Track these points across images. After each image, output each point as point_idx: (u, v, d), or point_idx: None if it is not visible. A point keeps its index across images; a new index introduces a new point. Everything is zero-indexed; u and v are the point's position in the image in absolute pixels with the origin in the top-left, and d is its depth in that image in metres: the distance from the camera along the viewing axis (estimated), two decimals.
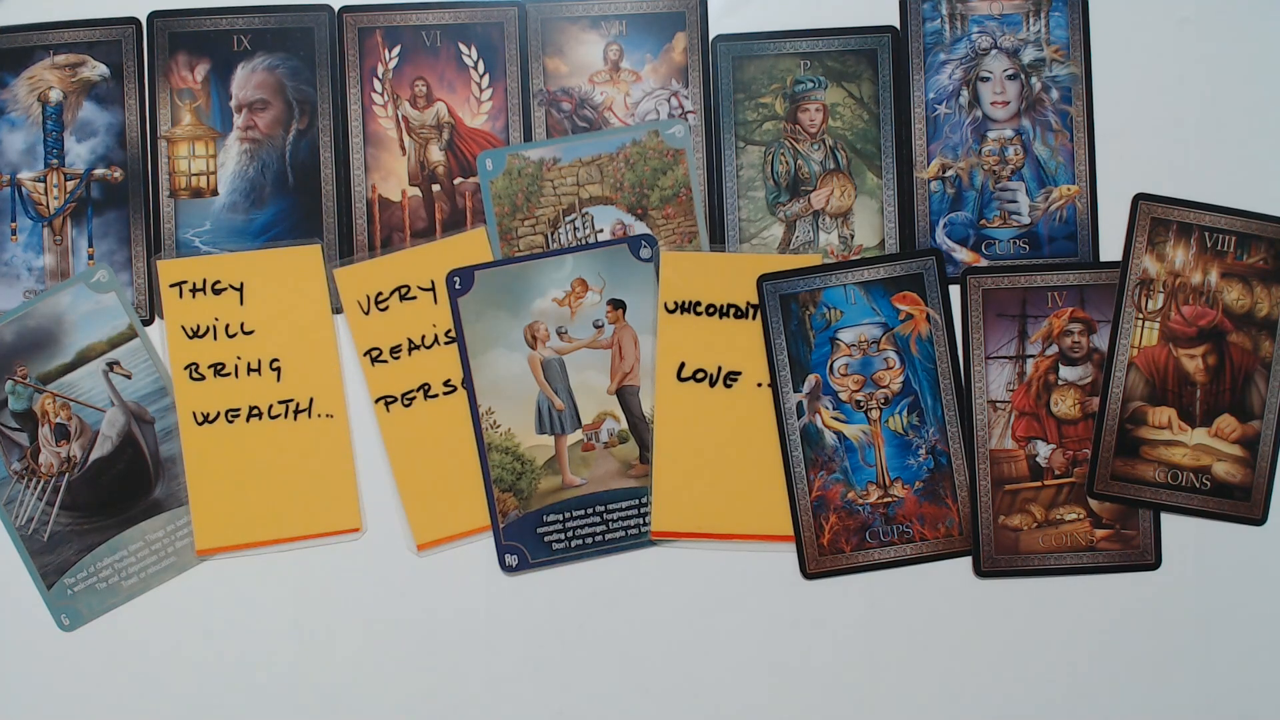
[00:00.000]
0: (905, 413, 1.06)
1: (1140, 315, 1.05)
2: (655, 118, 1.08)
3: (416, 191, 1.09)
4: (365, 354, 1.06)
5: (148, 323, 1.08)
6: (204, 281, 1.06)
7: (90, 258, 1.08)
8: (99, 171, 1.08)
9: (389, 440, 1.06)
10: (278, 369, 1.06)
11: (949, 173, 1.08)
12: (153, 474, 1.07)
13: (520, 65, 1.09)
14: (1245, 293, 1.05)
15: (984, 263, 1.08)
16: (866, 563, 1.06)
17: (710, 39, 1.08)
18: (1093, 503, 1.06)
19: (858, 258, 1.08)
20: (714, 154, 1.08)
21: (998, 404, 1.06)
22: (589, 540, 1.06)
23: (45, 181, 1.08)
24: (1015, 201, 1.08)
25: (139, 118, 1.08)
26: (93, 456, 1.06)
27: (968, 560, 1.06)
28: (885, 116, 1.08)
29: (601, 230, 1.08)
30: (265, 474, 1.06)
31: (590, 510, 1.06)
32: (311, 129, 1.09)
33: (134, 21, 1.08)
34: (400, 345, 1.06)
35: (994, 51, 1.08)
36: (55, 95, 1.08)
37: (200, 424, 1.06)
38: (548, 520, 1.06)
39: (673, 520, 1.05)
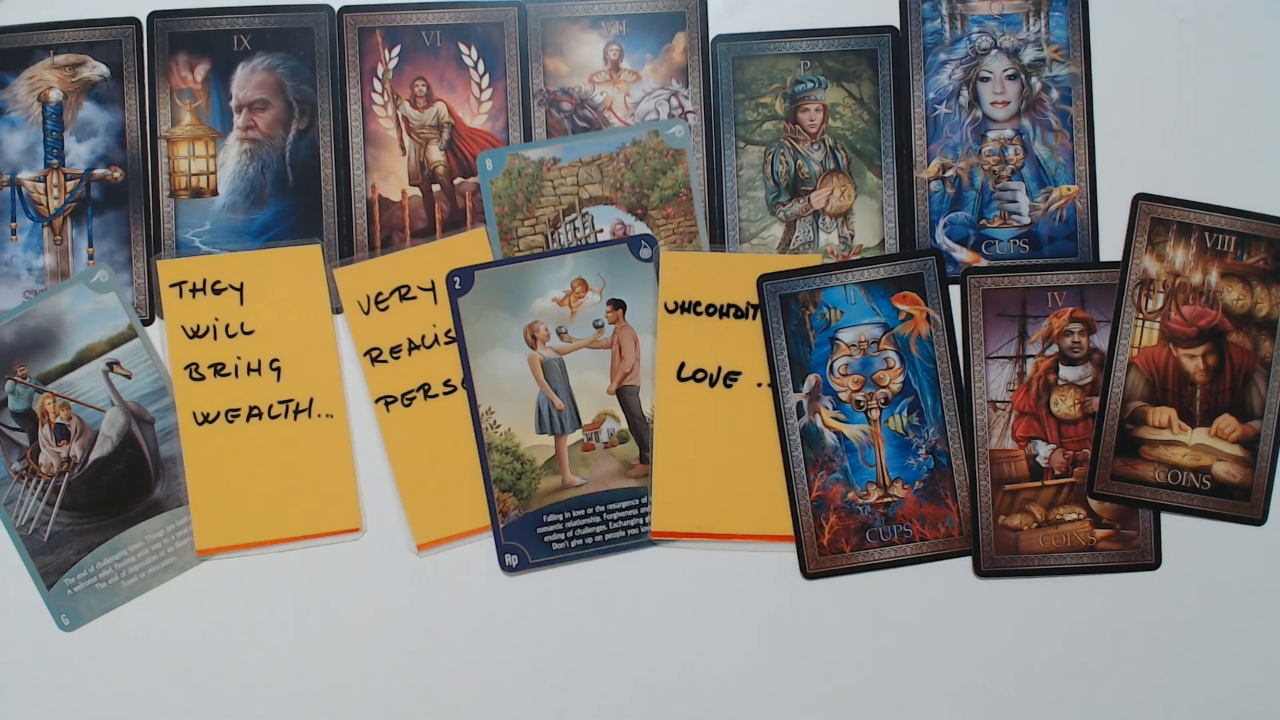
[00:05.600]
0: (905, 413, 1.06)
1: (1140, 315, 1.05)
2: (655, 118, 1.08)
3: (416, 191, 1.09)
4: (365, 354, 1.06)
5: (148, 323, 1.08)
6: (204, 281, 1.06)
7: (90, 258, 1.08)
8: (99, 171, 1.08)
9: (389, 440, 1.06)
10: (278, 369, 1.06)
11: (949, 173, 1.08)
12: (153, 474, 1.07)
13: (520, 65, 1.09)
14: (1245, 293, 1.05)
15: (984, 263, 1.08)
16: (866, 563, 1.06)
17: (710, 39, 1.08)
18: (1093, 503, 1.06)
19: (858, 258, 1.08)
20: (714, 154, 1.08)
21: (998, 404, 1.06)
22: (589, 540, 1.06)
23: (45, 181, 1.08)
24: (1015, 201, 1.08)
25: (139, 118, 1.08)
26: (93, 456, 1.06)
27: (968, 560, 1.06)
28: (885, 116, 1.08)
29: (601, 230, 1.08)
30: (265, 474, 1.06)
31: (590, 510, 1.06)
32: (311, 129, 1.08)
33: (134, 21, 1.08)
34: (400, 345, 1.06)
35: (994, 51, 1.08)
36: (55, 95, 1.08)
37: (200, 424, 1.06)
38: (548, 520, 1.06)
39: (673, 520, 1.05)
